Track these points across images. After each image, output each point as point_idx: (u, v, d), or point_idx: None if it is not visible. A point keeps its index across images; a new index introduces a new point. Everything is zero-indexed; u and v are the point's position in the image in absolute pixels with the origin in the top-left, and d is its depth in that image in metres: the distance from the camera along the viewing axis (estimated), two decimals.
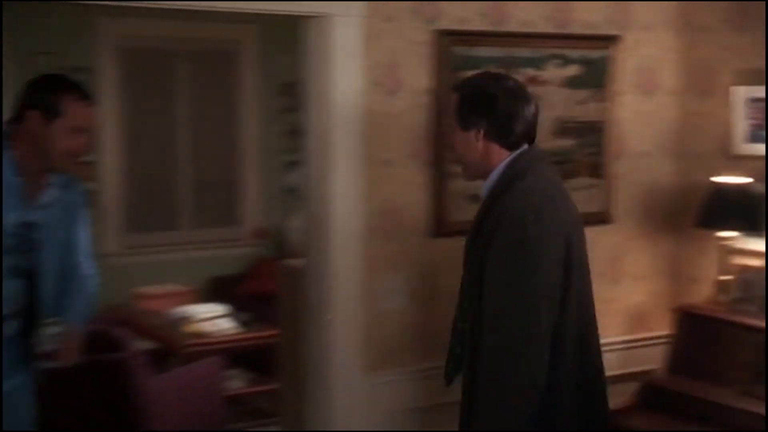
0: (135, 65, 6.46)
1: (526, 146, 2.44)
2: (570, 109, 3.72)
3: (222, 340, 5.01)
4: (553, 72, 3.67)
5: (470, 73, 3.44)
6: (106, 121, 6.28)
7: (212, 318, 5.16)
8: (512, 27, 3.59)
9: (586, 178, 3.81)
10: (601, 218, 3.83)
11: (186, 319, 5.11)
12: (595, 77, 3.78)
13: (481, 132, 2.40)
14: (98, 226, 6.31)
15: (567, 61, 3.70)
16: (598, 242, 3.63)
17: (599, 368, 2.49)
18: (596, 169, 3.83)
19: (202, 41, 6.45)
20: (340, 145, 3.25)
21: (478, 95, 2.44)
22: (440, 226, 3.49)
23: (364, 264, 3.33)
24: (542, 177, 2.41)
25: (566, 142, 3.73)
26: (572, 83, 3.72)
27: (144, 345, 4.69)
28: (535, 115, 2.47)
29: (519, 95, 2.45)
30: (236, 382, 5.08)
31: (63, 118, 2.69)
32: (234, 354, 5.00)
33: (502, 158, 2.41)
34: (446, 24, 3.44)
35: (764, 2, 3.66)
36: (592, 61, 3.76)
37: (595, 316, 2.49)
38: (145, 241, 6.50)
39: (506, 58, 3.55)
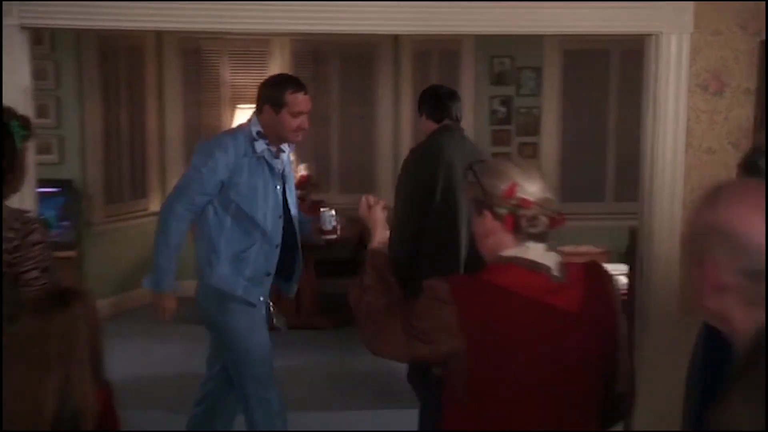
0: (574, 62, 7.56)
1: (447, 121, 4.18)
2: None
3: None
4: None
5: None
6: (548, 109, 7.59)
7: (615, 274, 6.15)
8: None
9: None
10: None
11: None
12: None
13: (423, 115, 4.26)
14: None
15: None
16: None
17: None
18: None
19: (631, 42, 7.28)
20: (669, 135, 4.13)
21: (422, 96, 4.33)
22: None
23: (681, 226, 4.11)
24: (442, 139, 4.10)
25: None
26: None
27: None
28: (456, 104, 4.24)
29: (445, 95, 4.27)
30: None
31: (286, 108, 3.64)
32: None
33: (432, 128, 4.19)
34: None
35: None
36: None
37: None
38: (577, 209, 7.54)
39: None
